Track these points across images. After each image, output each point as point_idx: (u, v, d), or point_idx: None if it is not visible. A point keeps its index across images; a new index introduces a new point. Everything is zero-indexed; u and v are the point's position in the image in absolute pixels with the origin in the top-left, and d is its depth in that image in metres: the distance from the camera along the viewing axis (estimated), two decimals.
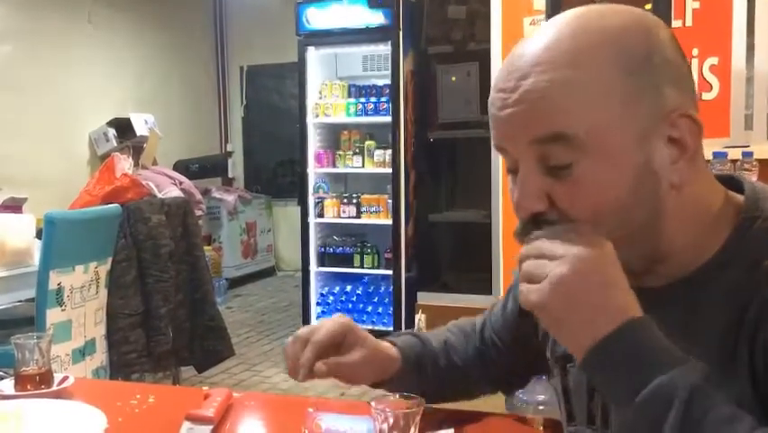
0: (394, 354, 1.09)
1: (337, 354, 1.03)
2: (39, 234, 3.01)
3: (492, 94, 0.82)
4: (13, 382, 1.31)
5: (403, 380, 1.08)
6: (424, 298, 4.44)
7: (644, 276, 0.81)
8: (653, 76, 0.76)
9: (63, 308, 2.89)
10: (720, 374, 0.72)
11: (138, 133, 5.82)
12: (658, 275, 0.81)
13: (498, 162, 3.98)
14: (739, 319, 0.74)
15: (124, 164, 3.74)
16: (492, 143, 0.84)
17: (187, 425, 1.09)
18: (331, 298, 5.16)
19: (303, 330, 1.04)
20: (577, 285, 0.71)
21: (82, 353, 3.03)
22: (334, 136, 5.30)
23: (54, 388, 1.30)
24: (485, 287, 3.74)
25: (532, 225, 0.79)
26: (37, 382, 1.29)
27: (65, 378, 1.34)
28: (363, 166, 5.09)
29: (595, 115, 0.75)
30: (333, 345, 1.02)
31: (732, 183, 0.85)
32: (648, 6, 2.49)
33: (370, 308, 4.99)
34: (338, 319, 1.05)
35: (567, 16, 0.80)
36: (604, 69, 0.75)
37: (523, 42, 0.81)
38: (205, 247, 5.01)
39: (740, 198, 0.82)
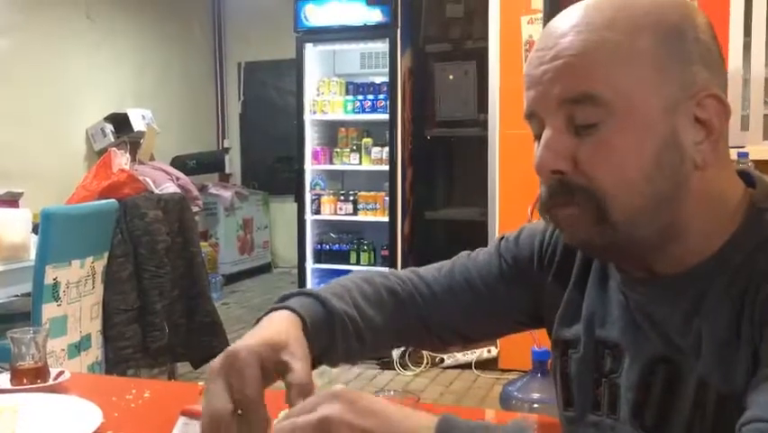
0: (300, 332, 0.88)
1: (271, 380, 0.82)
2: (35, 229, 3.01)
3: (532, 54, 0.84)
4: (9, 376, 1.31)
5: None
6: None
7: (657, 258, 0.82)
8: (686, 51, 0.79)
9: (59, 303, 2.90)
10: (728, 354, 0.76)
11: (135, 129, 5.81)
12: (670, 260, 0.82)
13: (495, 160, 3.99)
14: (741, 300, 0.76)
15: (121, 159, 3.74)
16: (524, 114, 0.85)
17: (182, 420, 1.09)
18: None
19: (221, 397, 0.76)
20: None
21: (77, 348, 3.03)
22: (332, 133, 5.30)
23: (50, 382, 1.31)
24: None
25: (560, 192, 0.80)
26: (33, 377, 1.30)
27: (61, 372, 1.34)
28: (360, 163, 5.10)
29: (625, 77, 0.77)
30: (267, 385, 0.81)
31: (744, 177, 0.86)
32: None
33: None
34: (251, 356, 0.79)
35: None
36: (638, 35, 0.78)
37: (564, 11, 0.84)
38: (202, 243, 5.02)
39: (751, 191, 0.83)
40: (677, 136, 0.78)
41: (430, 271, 1.10)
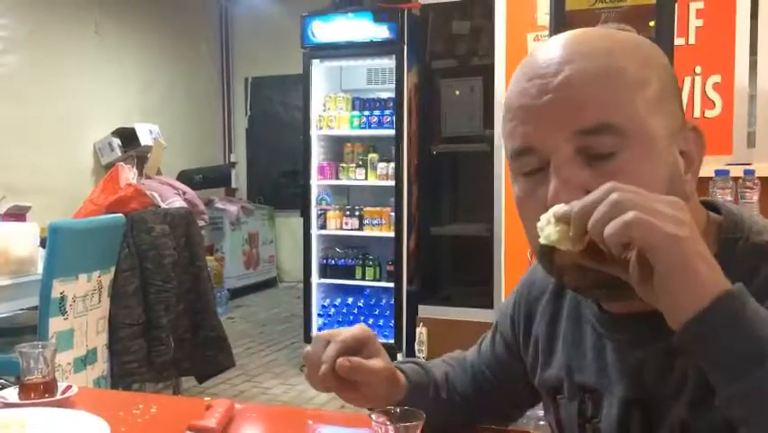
0: (402, 378, 1.05)
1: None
2: (42, 243, 3.02)
3: (523, 84, 0.79)
4: (17, 390, 1.31)
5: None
6: (425, 311, 4.44)
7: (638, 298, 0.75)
8: (671, 84, 0.80)
9: (66, 316, 2.90)
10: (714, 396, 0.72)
11: (142, 143, 5.84)
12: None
13: (501, 176, 3.99)
14: None
15: (129, 174, 3.75)
16: (513, 145, 0.80)
17: None
18: (332, 310, 5.16)
19: (324, 332, 0.99)
20: (696, 237, 0.66)
21: (83, 362, 3.03)
22: (338, 148, 5.31)
23: (58, 397, 1.31)
24: (486, 301, 3.75)
25: None
26: (41, 391, 1.30)
27: (68, 387, 1.34)
28: (366, 178, 5.10)
29: (637, 105, 0.76)
30: (356, 348, 0.97)
31: (707, 205, 0.86)
32: (651, 24, 2.51)
33: (371, 321, 4.99)
34: (360, 326, 1.01)
35: (581, 29, 0.82)
36: (639, 64, 0.78)
37: (547, 42, 0.82)
38: (208, 257, 5.02)
39: (719, 218, 0.83)
40: (677, 167, 0.79)
41: (465, 362, 1.18)
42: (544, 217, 0.73)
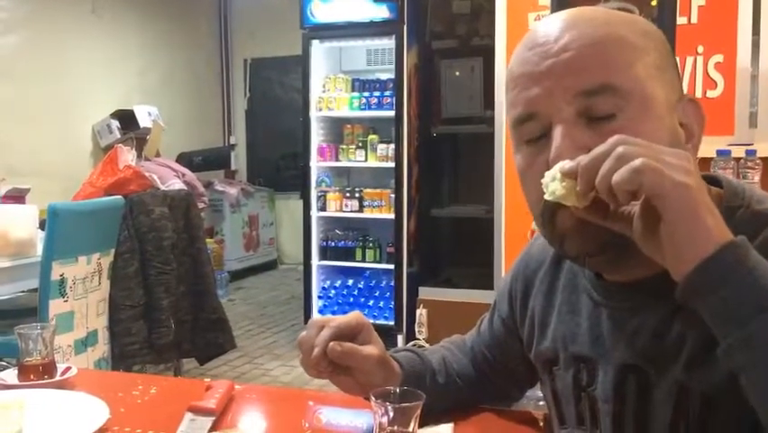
0: (396, 367, 1.05)
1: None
2: (42, 225, 3.01)
3: (524, 54, 0.81)
4: (16, 372, 1.31)
5: None
6: (425, 292, 4.45)
7: (643, 260, 0.73)
8: (670, 56, 0.82)
9: (66, 299, 2.90)
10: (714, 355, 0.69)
11: (141, 125, 5.82)
12: (650, 264, 0.74)
13: (502, 157, 3.98)
14: None
15: (128, 156, 3.74)
16: (516, 113, 0.82)
17: (189, 416, 1.09)
18: (332, 292, 5.16)
19: (318, 318, 1.00)
20: (703, 187, 0.67)
21: (84, 344, 3.04)
22: (338, 130, 5.29)
23: (57, 378, 1.30)
24: (486, 282, 3.74)
25: None
26: (40, 373, 1.30)
27: (68, 368, 1.34)
28: (366, 160, 5.09)
29: (636, 68, 0.78)
30: (349, 335, 0.98)
31: (708, 179, 0.86)
32: (654, 3, 2.48)
33: (371, 303, 5.00)
34: (355, 313, 1.02)
35: (579, 7, 0.84)
36: (636, 34, 0.80)
37: (547, 18, 0.84)
38: (208, 240, 5.02)
39: (720, 191, 0.84)
40: (678, 135, 0.80)
41: (465, 345, 1.20)
42: (549, 174, 0.74)
